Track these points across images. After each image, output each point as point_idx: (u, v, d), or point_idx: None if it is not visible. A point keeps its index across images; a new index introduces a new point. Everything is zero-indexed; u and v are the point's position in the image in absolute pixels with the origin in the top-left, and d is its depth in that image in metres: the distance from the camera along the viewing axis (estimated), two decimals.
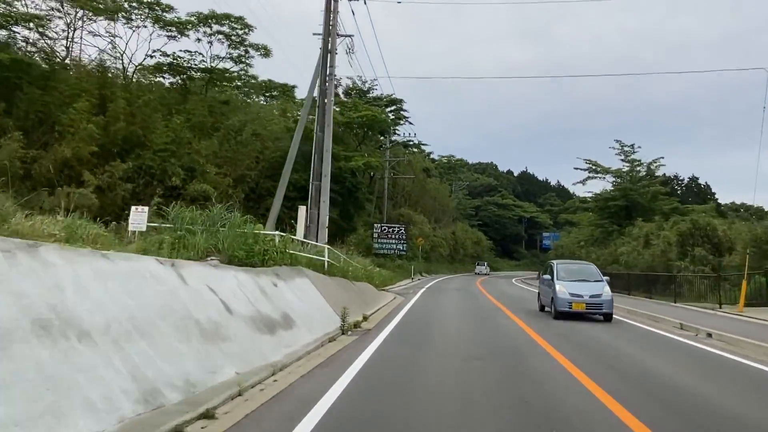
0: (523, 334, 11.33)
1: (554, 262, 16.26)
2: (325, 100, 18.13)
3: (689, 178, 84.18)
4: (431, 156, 78.15)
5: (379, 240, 41.27)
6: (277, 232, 11.48)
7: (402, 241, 41.86)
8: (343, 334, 10.58)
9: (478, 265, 66.75)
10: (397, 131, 49.07)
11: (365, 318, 12.80)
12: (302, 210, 15.04)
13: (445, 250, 61.53)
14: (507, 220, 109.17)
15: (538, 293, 17.30)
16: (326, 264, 13.98)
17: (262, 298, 8.96)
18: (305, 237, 15.21)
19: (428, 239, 52.25)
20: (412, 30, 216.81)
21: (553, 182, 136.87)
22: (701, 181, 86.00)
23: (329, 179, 18.27)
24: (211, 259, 10.46)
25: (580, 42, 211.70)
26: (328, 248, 14.65)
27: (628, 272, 28.63)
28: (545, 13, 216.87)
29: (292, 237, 13.51)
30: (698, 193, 79.62)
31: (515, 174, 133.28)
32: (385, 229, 41.59)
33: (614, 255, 35.72)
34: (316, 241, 16.54)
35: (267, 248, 10.94)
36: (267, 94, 46.64)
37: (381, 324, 12.39)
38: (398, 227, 42.18)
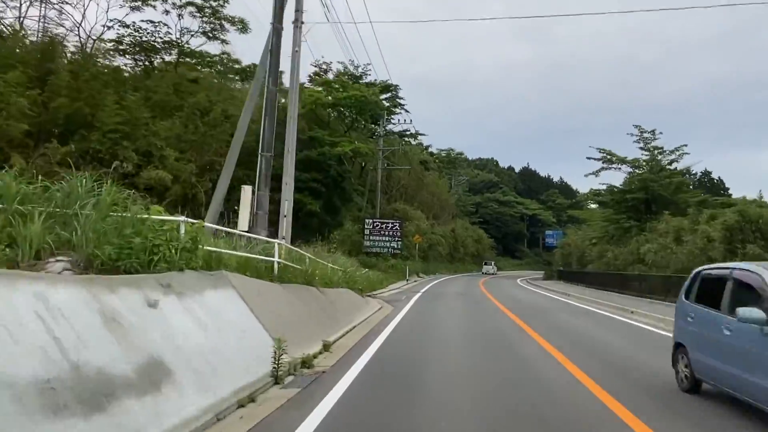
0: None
1: (760, 268, 5.71)
2: (294, 49, 13.96)
3: (701, 172, 79.92)
4: (429, 149, 74.14)
5: (371, 237, 37.17)
6: (182, 218, 7.33)
7: (397, 239, 37.78)
8: (276, 383, 6.45)
9: (485, 264, 66.41)
10: (391, 119, 44.95)
11: (326, 347, 8.67)
12: (246, 191, 10.88)
13: (445, 249, 57.42)
14: (508, 217, 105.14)
15: (675, 347, 7.01)
16: (276, 267, 9.82)
17: (99, 334, 4.80)
18: (251, 228, 11.11)
19: (426, 237, 48.13)
20: (409, 29, 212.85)
21: (555, 179, 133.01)
22: (714, 176, 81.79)
23: (294, 156, 14.13)
24: (56, 261, 6.34)
25: (579, 41, 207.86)
26: (280, 244, 10.48)
27: (662, 274, 24.47)
28: (544, 11, 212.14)
29: (216, 227, 9.36)
30: (711, 187, 75.37)
31: (516, 170, 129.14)
32: (377, 225, 37.48)
33: (636, 254, 31.65)
34: (274, 236, 12.43)
35: (159, 243, 6.78)
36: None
37: (349, 357, 8.26)
38: (392, 223, 38.09)
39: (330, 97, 33.71)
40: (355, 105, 34.51)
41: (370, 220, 37.68)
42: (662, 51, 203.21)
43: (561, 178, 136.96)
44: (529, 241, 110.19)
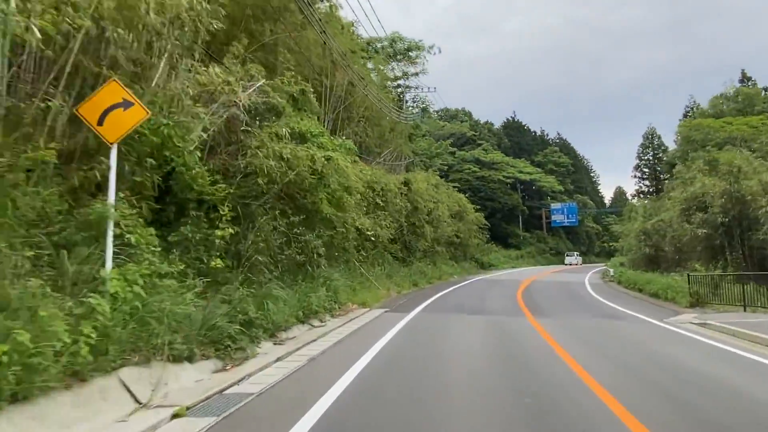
0: None
1: None
2: None
3: None
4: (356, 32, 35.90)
5: None
6: None
7: None
8: None
9: (568, 255, 62.77)
10: None
11: None
12: None
13: (386, 224, 19.57)
14: (495, 185, 68.33)
15: None
16: None
17: None
18: None
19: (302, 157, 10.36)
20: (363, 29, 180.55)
21: (551, 135, 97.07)
22: None
23: None
24: None
25: (530, 35, 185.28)
26: None
27: None
28: (493, 8, 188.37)
29: None
30: None
31: (497, 125, 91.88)
32: None
33: None
34: None
35: None
36: None
37: None
38: None
39: None
40: None
41: None
42: (610, 41, 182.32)
43: (559, 134, 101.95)
44: (525, 221, 73.82)
